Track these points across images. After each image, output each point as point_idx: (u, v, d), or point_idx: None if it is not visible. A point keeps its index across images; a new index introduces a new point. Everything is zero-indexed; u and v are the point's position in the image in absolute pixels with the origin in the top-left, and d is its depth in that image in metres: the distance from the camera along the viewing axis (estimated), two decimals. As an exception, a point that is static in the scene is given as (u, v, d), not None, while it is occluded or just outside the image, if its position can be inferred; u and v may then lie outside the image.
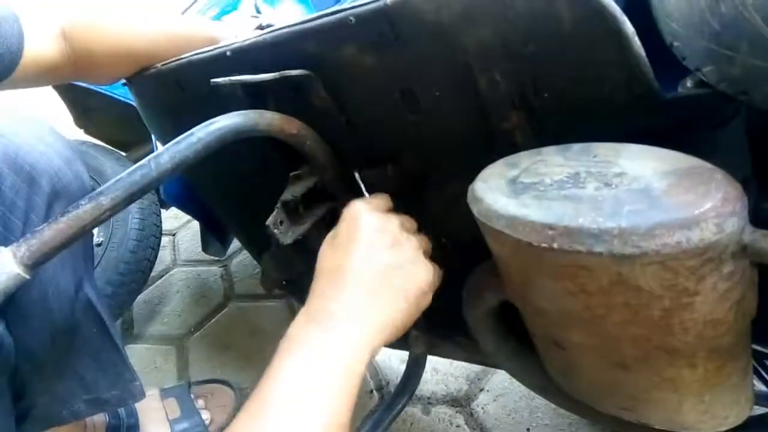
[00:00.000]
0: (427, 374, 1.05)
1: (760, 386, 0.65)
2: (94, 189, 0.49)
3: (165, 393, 1.06)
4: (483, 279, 0.55)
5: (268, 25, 0.86)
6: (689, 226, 0.34)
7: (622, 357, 0.43)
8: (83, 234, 0.47)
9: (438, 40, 0.47)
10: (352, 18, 0.49)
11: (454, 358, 0.86)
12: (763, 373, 0.64)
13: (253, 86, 0.58)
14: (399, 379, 0.83)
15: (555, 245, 0.37)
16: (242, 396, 1.12)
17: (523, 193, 0.41)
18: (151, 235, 1.30)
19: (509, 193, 0.42)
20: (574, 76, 0.44)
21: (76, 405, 0.77)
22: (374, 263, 0.49)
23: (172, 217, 1.88)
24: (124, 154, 1.44)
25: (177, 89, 0.68)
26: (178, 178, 1.01)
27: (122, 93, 1.20)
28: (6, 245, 0.45)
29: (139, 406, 1.01)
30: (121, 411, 0.98)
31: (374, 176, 0.62)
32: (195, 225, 1.77)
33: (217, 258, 1.55)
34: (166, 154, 0.49)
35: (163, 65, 0.67)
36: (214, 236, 1.23)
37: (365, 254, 0.50)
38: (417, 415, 1.01)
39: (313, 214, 0.62)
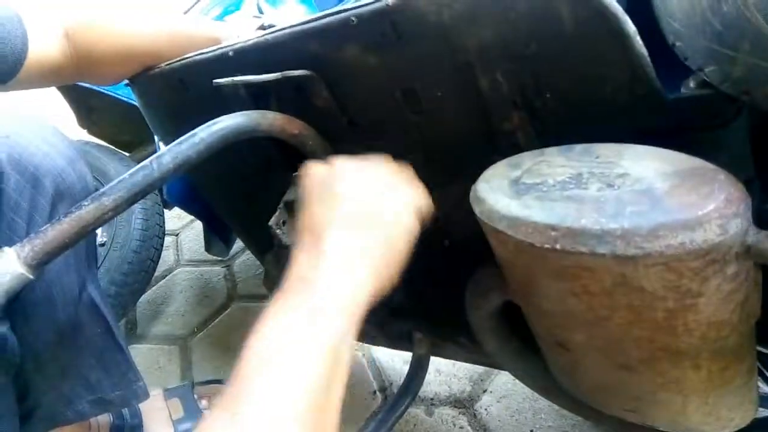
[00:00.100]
0: (430, 375, 1.05)
1: (764, 388, 0.65)
2: (97, 190, 0.49)
3: (168, 393, 1.06)
4: (486, 280, 0.55)
5: (271, 26, 0.86)
6: (693, 227, 0.34)
7: (626, 358, 0.43)
8: (86, 234, 0.48)
9: (440, 40, 0.47)
10: (354, 18, 0.49)
11: (457, 359, 0.86)
12: (768, 375, 0.64)
13: (256, 86, 0.58)
14: (402, 380, 0.84)
15: (558, 246, 0.37)
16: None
17: (525, 193, 0.41)
18: (155, 236, 1.31)
19: (512, 193, 0.42)
20: (576, 77, 0.44)
21: (80, 405, 0.77)
22: (330, 211, 0.47)
23: (175, 217, 1.88)
24: (127, 154, 1.44)
25: (180, 89, 0.68)
26: (181, 178, 1.01)
27: (125, 93, 1.20)
28: (10, 246, 0.46)
29: (143, 407, 1.01)
30: (125, 411, 0.98)
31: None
32: (198, 225, 1.77)
33: (220, 258, 1.55)
34: (168, 154, 0.49)
35: (165, 65, 0.67)
36: (217, 236, 1.23)
37: (319, 209, 0.47)
38: (420, 416, 1.01)
39: None
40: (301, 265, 0.45)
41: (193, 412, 1.03)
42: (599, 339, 0.43)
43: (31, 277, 0.46)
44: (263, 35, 0.57)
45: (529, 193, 0.41)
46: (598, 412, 0.54)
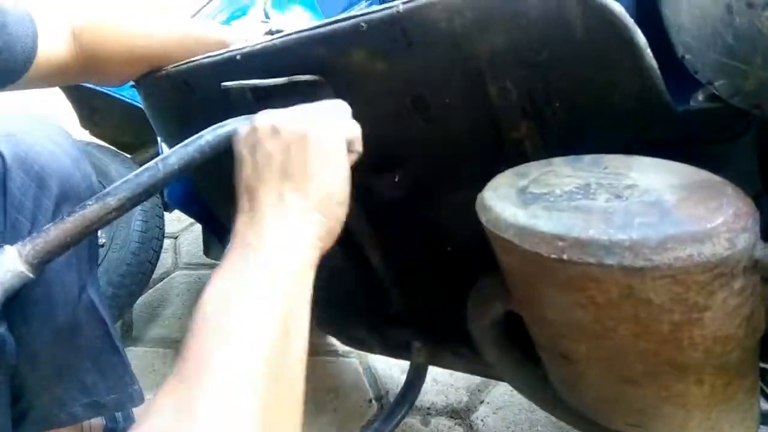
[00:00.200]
0: (427, 385, 1.04)
1: (764, 405, 0.64)
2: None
3: (163, 397, 1.05)
4: (489, 289, 0.55)
5: (278, 31, 0.87)
6: (701, 239, 0.34)
7: (630, 371, 0.42)
8: (89, 234, 0.47)
9: (451, 47, 0.47)
10: (363, 24, 0.49)
11: (455, 369, 0.86)
12: (768, 392, 0.63)
13: (262, 90, 0.58)
14: (399, 388, 0.83)
15: (565, 256, 0.37)
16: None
17: (532, 203, 0.41)
18: (154, 238, 1.30)
19: (519, 202, 0.41)
20: (586, 85, 0.44)
21: (74, 408, 0.76)
22: (261, 169, 0.47)
23: (175, 220, 1.88)
24: (129, 156, 1.44)
25: (186, 92, 0.68)
26: (182, 180, 1.01)
27: (129, 95, 1.20)
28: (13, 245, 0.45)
29: (137, 410, 1.00)
30: (118, 415, 0.97)
31: (382, 183, 0.62)
32: (197, 229, 1.77)
33: (218, 262, 1.54)
34: (174, 155, 0.49)
35: (172, 67, 0.67)
36: (216, 239, 1.23)
37: (251, 169, 0.47)
38: (416, 426, 1.00)
39: None
40: (243, 231, 0.45)
41: (188, 417, 1.02)
42: (604, 351, 0.42)
43: (32, 275, 0.45)
44: (271, 39, 0.57)
45: (537, 203, 0.41)
46: (598, 426, 0.54)
